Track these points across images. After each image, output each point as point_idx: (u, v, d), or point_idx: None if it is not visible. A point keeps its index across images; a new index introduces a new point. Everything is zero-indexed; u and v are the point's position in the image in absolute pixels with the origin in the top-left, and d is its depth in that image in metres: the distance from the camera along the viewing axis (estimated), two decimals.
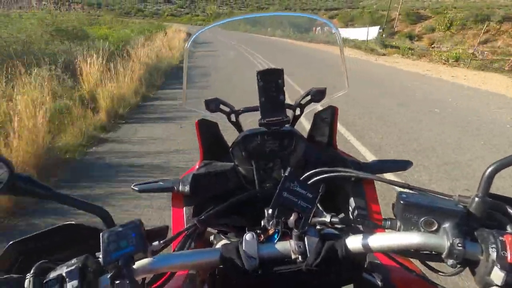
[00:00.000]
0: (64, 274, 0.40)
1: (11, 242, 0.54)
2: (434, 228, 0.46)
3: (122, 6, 67.46)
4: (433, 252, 0.46)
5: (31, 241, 0.55)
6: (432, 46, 21.58)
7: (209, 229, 0.85)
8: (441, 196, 0.52)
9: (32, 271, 0.41)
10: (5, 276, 0.41)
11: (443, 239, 0.44)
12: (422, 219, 0.47)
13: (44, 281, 0.40)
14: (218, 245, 0.75)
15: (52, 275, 0.41)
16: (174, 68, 9.26)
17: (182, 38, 15.83)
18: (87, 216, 0.55)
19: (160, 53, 10.04)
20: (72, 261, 0.42)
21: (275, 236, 0.58)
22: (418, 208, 0.47)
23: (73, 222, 0.56)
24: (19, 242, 0.54)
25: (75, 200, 0.52)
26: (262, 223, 0.61)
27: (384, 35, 21.48)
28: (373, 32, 20.02)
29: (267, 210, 0.63)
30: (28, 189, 0.50)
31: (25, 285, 0.40)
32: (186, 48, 0.88)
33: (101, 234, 0.45)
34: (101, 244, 0.44)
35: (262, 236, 0.58)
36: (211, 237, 0.86)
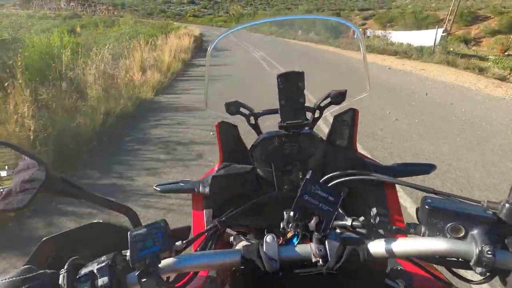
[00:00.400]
0: (95, 271, 0.42)
1: (44, 239, 0.58)
2: (461, 235, 0.45)
3: (146, 7, 68.25)
4: (460, 259, 0.45)
5: (62, 238, 0.58)
6: (505, 52, 17.43)
7: (228, 230, 0.86)
8: (468, 202, 0.51)
9: (65, 267, 0.43)
10: (40, 271, 0.43)
11: (472, 246, 0.43)
12: (449, 224, 0.45)
13: (77, 276, 0.42)
14: (238, 246, 0.76)
15: (84, 271, 0.43)
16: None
17: (185, 45, 12.29)
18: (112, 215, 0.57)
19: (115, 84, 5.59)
20: (102, 258, 0.44)
21: (295, 239, 0.58)
22: (445, 214, 0.46)
23: (101, 221, 0.59)
24: (52, 239, 0.57)
25: (105, 200, 0.55)
26: (281, 225, 0.61)
27: (447, 40, 16.82)
28: (429, 35, 15.12)
29: (287, 213, 0.63)
30: (63, 188, 0.53)
31: (60, 281, 0.42)
32: (208, 53, 0.89)
33: (129, 233, 0.47)
34: (129, 243, 0.46)
35: (281, 238, 0.59)
36: (231, 238, 0.87)
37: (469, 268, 0.44)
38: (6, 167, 0.57)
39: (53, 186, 0.52)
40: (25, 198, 0.52)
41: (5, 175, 0.57)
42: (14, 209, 0.52)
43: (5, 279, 0.40)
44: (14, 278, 0.40)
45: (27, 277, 0.40)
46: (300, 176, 0.87)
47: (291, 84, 0.79)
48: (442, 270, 0.58)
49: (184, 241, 0.50)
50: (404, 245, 0.46)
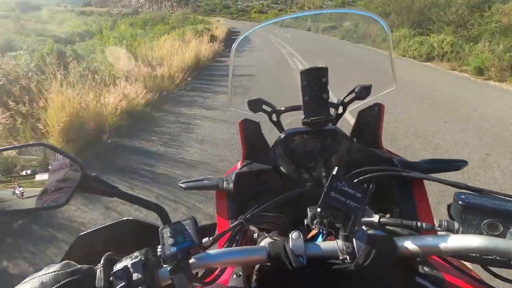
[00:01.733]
0: (129, 266, 0.44)
1: (79, 235, 0.61)
2: (499, 232, 0.43)
3: (209, 3, 63.76)
4: (498, 258, 0.43)
5: (96, 234, 0.61)
6: None
7: (251, 227, 0.87)
8: (505, 197, 0.48)
9: (101, 262, 0.45)
10: (78, 266, 0.45)
11: (510, 243, 0.41)
12: (485, 221, 0.44)
13: (112, 271, 0.44)
14: (263, 243, 0.77)
15: (119, 266, 0.45)
16: None
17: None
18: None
19: None
20: (135, 254, 0.46)
21: (320, 236, 0.58)
22: (480, 210, 0.44)
23: (131, 218, 0.61)
24: (86, 235, 0.60)
25: (136, 198, 0.57)
26: (305, 222, 0.61)
27: None
28: None
29: (311, 210, 0.63)
30: (97, 187, 0.55)
31: (97, 275, 0.44)
32: (233, 49, 0.89)
33: (159, 229, 0.49)
34: (160, 239, 0.48)
35: (306, 235, 0.59)
36: (255, 235, 0.88)
37: (507, 266, 0.42)
38: (42, 167, 0.61)
39: (88, 185, 0.55)
40: (62, 196, 0.54)
41: (41, 175, 0.60)
42: (52, 208, 0.55)
43: (48, 273, 0.42)
44: (56, 272, 0.42)
45: (67, 272, 0.43)
46: (323, 174, 0.86)
47: (314, 80, 0.79)
48: (476, 269, 0.56)
49: (211, 238, 0.51)
50: (436, 242, 0.45)
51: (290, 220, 0.78)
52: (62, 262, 0.45)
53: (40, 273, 0.43)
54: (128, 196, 0.56)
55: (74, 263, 0.45)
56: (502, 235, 0.43)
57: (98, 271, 0.44)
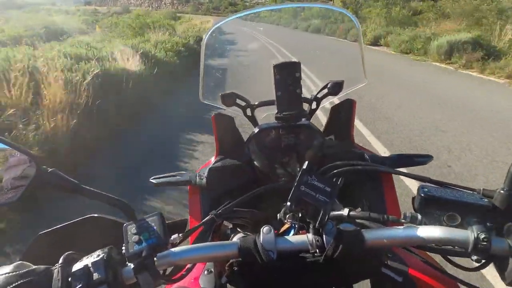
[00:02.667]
0: (90, 265, 0.42)
1: (38, 234, 0.57)
2: (457, 223, 0.45)
3: (213, 0, 58.34)
4: (456, 247, 0.45)
5: (57, 232, 0.57)
6: None
7: (225, 223, 0.86)
8: (464, 190, 0.51)
9: (60, 262, 0.42)
10: (33, 267, 0.42)
11: (468, 234, 0.43)
12: (445, 213, 0.45)
13: (71, 271, 0.42)
14: (235, 239, 0.77)
15: (78, 266, 0.42)
16: None
17: None
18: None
19: None
20: (97, 253, 0.44)
21: (292, 230, 0.58)
22: (441, 202, 0.46)
23: (96, 215, 0.58)
24: (46, 234, 0.57)
25: (100, 194, 0.54)
26: (278, 217, 0.61)
27: None
28: None
29: (284, 204, 0.63)
30: (54, 183, 0.52)
31: (54, 276, 0.41)
32: (203, 42, 0.88)
33: (123, 226, 0.47)
34: (124, 236, 0.46)
35: (278, 228, 0.59)
36: (228, 231, 0.87)
37: (465, 255, 0.44)
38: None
39: (45, 181, 0.51)
40: (15, 194, 0.51)
41: None
42: (3, 205, 0.51)
43: None
44: (7, 274, 0.39)
45: (20, 273, 0.40)
46: (298, 168, 0.87)
47: (287, 75, 0.78)
48: (437, 258, 0.59)
49: (180, 234, 0.50)
50: (400, 234, 0.46)
51: (264, 215, 0.78)
52: (15, 263, 0.42)
53: None
54: (91, 192, 0.53)
55: (28, 263, 0.42)
56: (460, 226, 0.45)
57: (55, 271, 0.41)
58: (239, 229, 0.83)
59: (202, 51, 0.90)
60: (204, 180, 0.81)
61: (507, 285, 0.43)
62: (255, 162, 0.86)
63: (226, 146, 0.88)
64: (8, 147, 0.53)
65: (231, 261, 0.54)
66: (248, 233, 0.79)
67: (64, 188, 0.52)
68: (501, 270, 0.43)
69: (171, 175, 0.86)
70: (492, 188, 0.49)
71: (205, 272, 0.65)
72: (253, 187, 0.72)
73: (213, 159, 0.89)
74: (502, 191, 0.45)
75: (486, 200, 0.46)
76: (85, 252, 0.46)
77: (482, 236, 0.41)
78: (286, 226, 0.61)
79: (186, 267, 0.52)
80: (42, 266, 0.42)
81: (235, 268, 0.54)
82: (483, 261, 0.44)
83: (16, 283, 0.38)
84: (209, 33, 0.85)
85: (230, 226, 0.87)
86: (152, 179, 0.86)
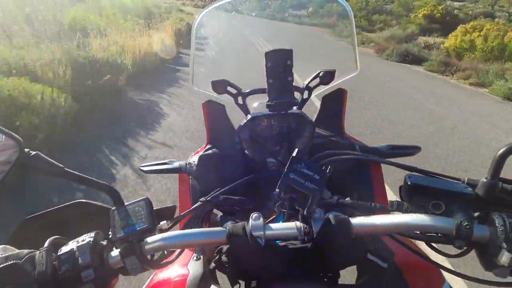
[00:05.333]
0: (75, 249, 0.41)
1: (24, 218, 0.56)
2: (441, 211, 0.46)
3: None
4: (440, 234, 0.46)
5: (44, 217, 0.56)
6: None
7: (215, 210, 0.87)
8: (449, 179, 0.52)
9: (45, 246, 0.42)
10: (17, 251, 0.42)
11: (451, 221, 0.44)
12: (430, 201, 0.46)
13: (57, 255, 0.41)
14: (224, 226, 0.77)
15: (64, 250, 0.42)
16: None
17: None
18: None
19: None
20: (83, 237, 0.43)
21: (281, 217, 0.58)
22: (426, 191, 0.47)
23: (83, 200, 0.57)
24: (32, 218, 0.56)
25: (85, 178, 0.53)
26: (268, 205, 0.61)
27: None
28: None
29: (274, 192, 0.63)
30: (38, 166, 0.51)
31: (36, 259, 0.41)
32: (193, 28, 0.86)
33: (110, 211, 0.46)
34: (110, 221, 0.45)
35: (268, 217, 0.59)
36: (218, 219, 0.87)
37: (447, 242, 0.45)
38: None
39: (28, 164, 0.50)
40: None
41: None
42: None
43: None
44: None
45: (3, 257, 0.39)
46: (289, 157, 0.87)
47: (279, 62, 0.77)
48: (422, 247, 0.60)
49: (169, 221, 0.50)
50: (386, 221, 0.47)
51: (253, 203, 0.78)
52: None
53: None
54: (76, 176, 0.52)
55: (12, 247, 0.42)
56: (445, 214, 0.46)
57: (40, 255, 0.41)
58: (229, 217, 0.83)
59: (193, 37, 0.88)
60: (194, 168, 0.81)
61: (485, 270, 0.44)
62: (246, 151, 0.86)
63: (217, 134, 0.87)
64: None
65: (219, 247, 0.55)
66: (238, 221, 0.80)
67: (47, 172, 0.51)
68: (482, 257, 0.45)
69: (161, 162, 0.85)
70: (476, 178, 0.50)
71: (194, 258, 0.65)
72: (243, 175, 0.72)
73: (204, 147, 0.88)
74: (485, 180, 0.46)
75: (470, 189, 0.47)
76: (72, 237, 0.45)
77: (465, 223, 0.43)
78: (275, 214, 0.61)
79: (175, 253, 0.52)
80: (26, 250, 0.42)
81: (224, 254, 0.54)
82: (465, 248, 0.45)
83: None
84: (198, 19, 0.83)
85: (221, 214, 0.87)
86: (141, 166, 0.85)
